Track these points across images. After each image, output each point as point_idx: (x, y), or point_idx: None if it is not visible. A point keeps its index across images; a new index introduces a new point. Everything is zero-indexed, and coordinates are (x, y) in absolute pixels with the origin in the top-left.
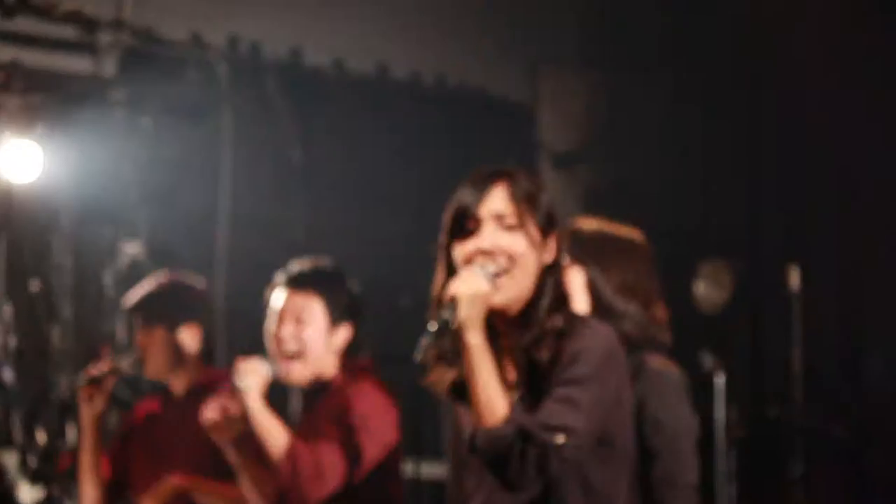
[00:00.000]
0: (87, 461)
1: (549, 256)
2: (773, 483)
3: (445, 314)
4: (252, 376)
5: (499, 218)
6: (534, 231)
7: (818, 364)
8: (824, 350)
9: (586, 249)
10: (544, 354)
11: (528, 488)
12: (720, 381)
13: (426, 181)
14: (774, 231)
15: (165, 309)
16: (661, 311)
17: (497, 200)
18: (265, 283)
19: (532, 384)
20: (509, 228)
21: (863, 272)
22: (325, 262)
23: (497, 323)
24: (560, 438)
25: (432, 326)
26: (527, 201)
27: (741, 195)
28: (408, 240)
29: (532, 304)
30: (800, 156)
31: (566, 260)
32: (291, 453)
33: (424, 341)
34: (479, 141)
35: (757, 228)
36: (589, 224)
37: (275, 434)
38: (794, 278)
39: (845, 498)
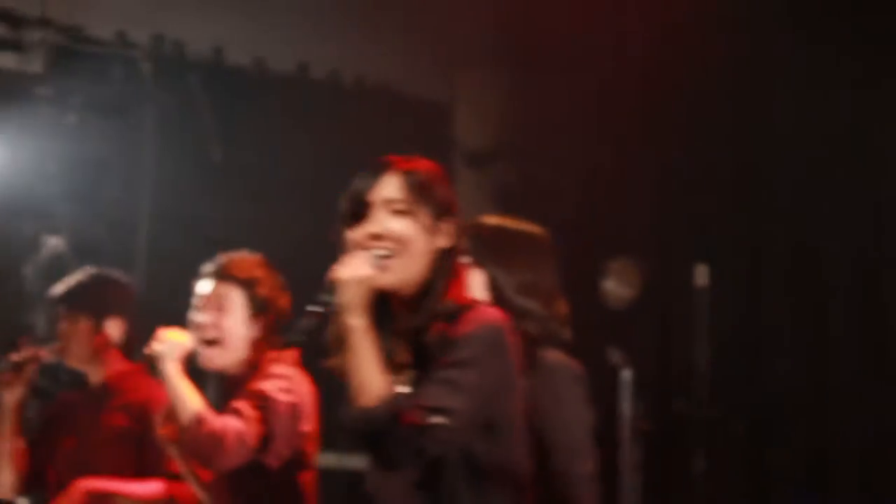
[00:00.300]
0: (4, 448)
1: (443, 242)
2: (677, 476)
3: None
4: (172, 343)
5: (388, 203)
6: (424, 216)
7: (722, 361)
8: (729, 348)
9: (487, 248)
10: (431, 337)
11: (405, 469)
12: (627, 375)
13: (345, 180)
14: (682, 230)
15: (91, 300)
16: (562, 307)
17: (388, 186)
18: (185, 280)
19: (421, 367)
20: (398, 213)
21: (768, 271)
22: (251, 255)
23: (394, 306)
24: (436, 419)
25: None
26: (418, 187)
27: (650, 194)
28: (326, 237)
29: (425, 287)
30: (709, 154)
31: (467, 260)
32: (198, 419)
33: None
34: (395, 139)
35: (664, 227)
36: (490, 221)
37: (187, 400)
38: (702, 276)
39: (746, 492)
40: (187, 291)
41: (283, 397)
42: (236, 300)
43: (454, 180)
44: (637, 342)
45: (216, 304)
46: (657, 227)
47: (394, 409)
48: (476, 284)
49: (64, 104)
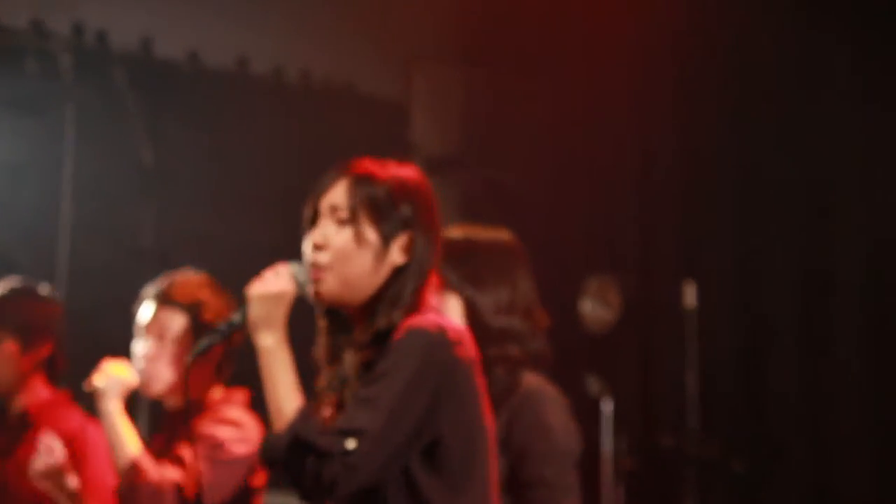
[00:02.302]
0: None
1: (399, 258)
2: None
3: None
4: (114, 379)
5: (333, 211)
6: (367, 228)
7: (714, 390)
8: (722, 374)
9: (456, 266)
10: (365, 356)
11: (321, 500)
12: (608, 407)
13: (290, 184)
14: (667, 244)
15: (16, 318)
16: (542, 320)
17: (336, 193)
18: (108, 294)
19: (355, 385)
20: (340, 222)
21: (764, 290)
22: (195, 275)
23: (352, 320)
24: (350, 444)
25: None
26: (366, 196)
27: (631, 205)
28: (270, 246)
29: (376, 304)
30: (697, 158)
31: (441, 287)
32: (136, 467)
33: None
34: (347, 141)
35: (648, 241)
36: (455, 234)
37: (125, 444)
38: (689, 295)
39: None
40: (112, 309)
41: (238, 449)
42: (178, 327)
43: None
44: (618, 369)
45: (157, 331)
46: (640, 241)
47: (299, 438)
48: (452, 310)
49: None
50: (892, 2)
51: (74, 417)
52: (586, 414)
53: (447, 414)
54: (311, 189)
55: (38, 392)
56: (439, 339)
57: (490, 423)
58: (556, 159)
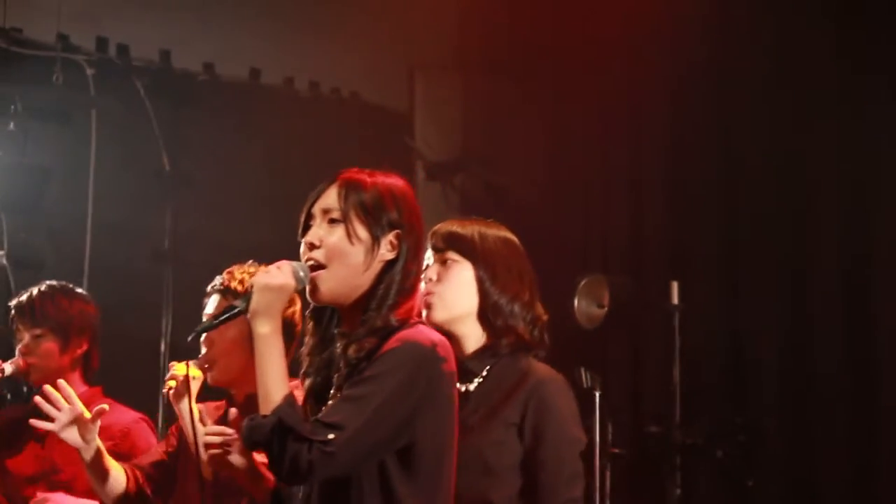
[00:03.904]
0: None
1: (389, 254)
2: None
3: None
4: (186, 379)
5: (325, 213)
6: (359, 226)
7: (699, 383)
8: (705, 367)
9: (470, 244)
10: (353, 352)
11: (297, 483)
12: (598, 398)
13: (300, 189)
14: (655, 245)
15: (57, 317)
16: (543, 314)
17: (328, 197)
18: (129, 293)
19: (350, 374)
20: (332, 223)
21: (743, 288)
22: (256, 266)
23: (343, 317)
24: (329, 435)
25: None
26: (355, 197)
27: (622, 206)
28: (280, 249)
29: (368, 299)
30: (685, 161)
31: (453, 255)
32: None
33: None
34: (353, 148)
35: (637, 243)
36: (464, 223)
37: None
38: (675, 294)
39: None
40: (131, 307)
41: None
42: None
43: (416, 190)
44: (609, 363)
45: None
46: (629, 243)
47: (283, 422)
48: (464, 280)
49: (3, 111)
50: (886, 3)
51: (125, 411)
52: (578, 404)
53: (426, 421)
54: (305, 197)
55: (76, 387)
56: (431, 354)
57: (456, 427)
58: (552, 164)
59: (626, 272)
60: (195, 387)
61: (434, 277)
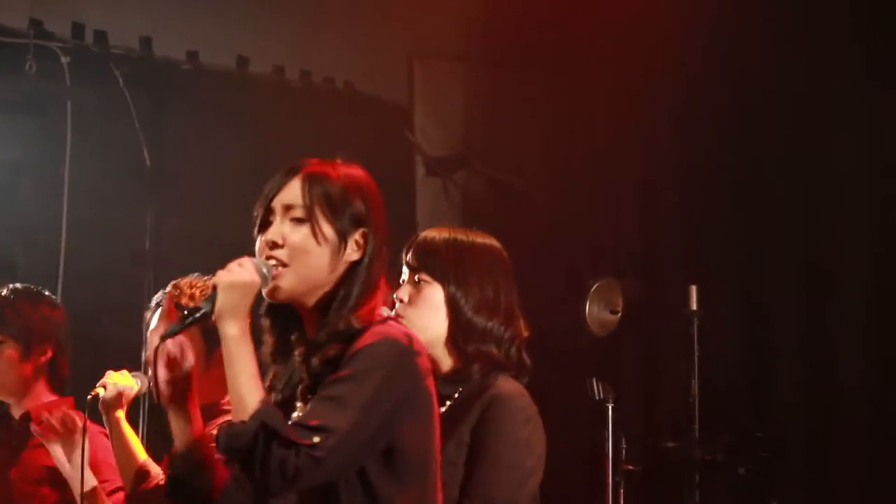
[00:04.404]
0: None
1: (354, 254)
2: None
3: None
4: (118, 388)
5: (287, 209)
6: (324, 224)
7: (718, 394)
8: (725, 377)
9: (442, 264)
10: (327, 353)
11: (280, 495)
12: (610, 410)
13: None
14: (672, 246)
15: (18, 321)
16: (523, 328)
17: (289, 192)
18: (106, 297)
19: (311, 383)
20: (295, 221)
21: (766, 292)
22: (205, 277)
23: (304, 323)
24: (315, 438)
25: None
26: (320, 194)
27: (636, 205)
28: None
29: (332, 301)
30: (702, 156)
31: (424, 276)
32: (145, 472)
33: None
34: (346, 143)
35: (652, 245)
36: (440, 234)
37: (134, 450)
38: (693, 299)
39: None
40: (110, 312)
41: None
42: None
43: (415, 187)
44: (622, 373)
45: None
46: (644, 244)
47: (266, 426)
48: (435, 302)
49: None
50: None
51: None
52: (589, 417)
53: (407, 420)
54: (260, 190)
55: (41, 397)
56: (408, 350)
57: (439, 428)
58: (560, 160)
59: (640, 275)
60: (125, 399)
61: (405, 299)
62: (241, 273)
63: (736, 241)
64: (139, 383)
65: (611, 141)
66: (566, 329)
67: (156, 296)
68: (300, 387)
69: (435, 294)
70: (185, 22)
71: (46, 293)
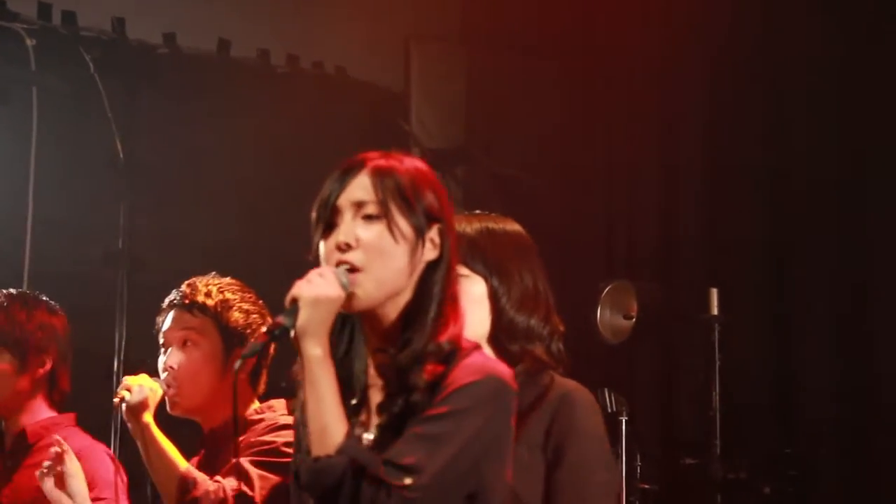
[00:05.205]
0: None
1: (430, 254)
2: None
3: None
4: (142, 392)
5: (358, 206)
6: (402, 221)
7: (741, 406)
8: (748, 388)
9: (481, 258)
10: (420, 380)
11: None
12: (625, 424)
13: (276, 178)
14: (690, 246)
15: (15, 331)
16: (559, 322)
17: (358, 188)
18: (76, 300)
19: (399, 411)
20: (369, 219)
21: (793, 296)
22: (219, 278)
23: (370, 332)
24: (406, 479)
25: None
26: (393, 187)
27: (651, 205)
28: (254, 247)
29: (412, 310)
30: (724, 154)
31: (463, 270)
32: (190, 480)
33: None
34: (337, 133)
35: (669, 244)
36: (470, 224)
37: (172, 458)
38: (714, 304)
39: None
40: (80, 317)
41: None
42: (205, 333)
43: None
44: (637, 383)
45: (180, 340)
46: (660, 244)
47: (355, 462)
48: (476, 297)
49: None
50: None
51: (78, 438)
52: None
53: (494, 461)
54: (318, 191)
55: (39, 413)
56: (509, 391)
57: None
58: (571, 152)
59: (657, 277)
60: (152, 403)
61: None
62: (324, 286)
63: (760, 241)
64: (162, 387)
65: (628, 131)
66: (576, 336)
67: (169, 296)
68: (385, 400)
69: (475, 288)
70: (161, 2)
71: (44, 298)
